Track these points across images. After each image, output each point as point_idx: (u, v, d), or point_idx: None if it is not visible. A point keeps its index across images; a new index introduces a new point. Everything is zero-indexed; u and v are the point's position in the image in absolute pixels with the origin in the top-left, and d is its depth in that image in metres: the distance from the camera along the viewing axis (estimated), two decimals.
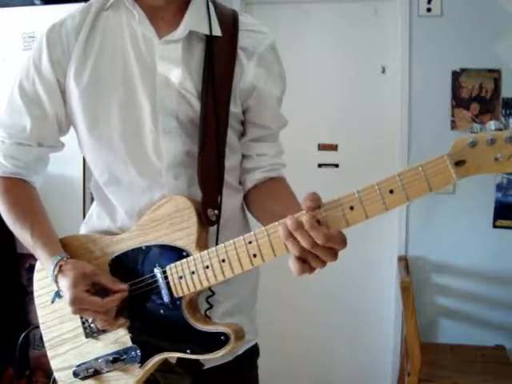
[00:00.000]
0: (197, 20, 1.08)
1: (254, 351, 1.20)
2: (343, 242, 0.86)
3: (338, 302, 3.05)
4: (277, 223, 0.91)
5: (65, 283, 1.04)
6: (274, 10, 3.07)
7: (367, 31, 2.99)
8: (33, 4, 2.56)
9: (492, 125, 0.79)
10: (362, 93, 3.01)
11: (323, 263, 0.88)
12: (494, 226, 2.84)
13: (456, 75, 2.85)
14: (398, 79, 2.92)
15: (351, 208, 0.86)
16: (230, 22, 1.10)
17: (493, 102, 2.81)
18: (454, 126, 2.86)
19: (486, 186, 2.81)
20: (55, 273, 1.06)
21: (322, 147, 3.05)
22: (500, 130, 0.79)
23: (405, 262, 2.77)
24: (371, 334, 3.04)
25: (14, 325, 2.49)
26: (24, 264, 2.56)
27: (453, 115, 2.85)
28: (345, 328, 3.05)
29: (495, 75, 2.81)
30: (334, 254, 0.87)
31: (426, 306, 2.88)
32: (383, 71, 3.00)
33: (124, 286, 1.05)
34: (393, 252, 2.94)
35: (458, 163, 0.80)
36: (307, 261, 0.88)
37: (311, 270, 0.89)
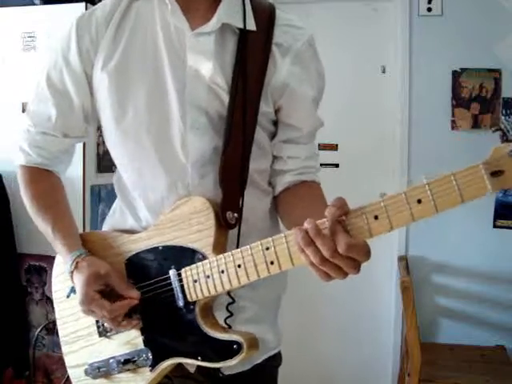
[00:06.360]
0: (231, 13, 1.03)
1: (275, 360, 1.16)
2: (367, 252, 0.80)
3: (338, 301, 3.05)
4: (296, 229, 0.84)
5: (78, 281, 1.02)
6: None
7: (367, 31, 2.99)
8: (32, 4, 2.56)
9: None
10: (362, 93, 3.01)
11: (344, 274, 0.82)
12: (494, 226, 2.84)
13: (456, 75, 2.85)
14: (398, 79, 2.92)
15: (375, 217, 0.79)
16: (266, 16, 1.05)
17: (493, 101, 2.81)
18: (454, 125, 2.85)
19: None
20: (71, 269, 1.04)
21: (322, 147, 3.05)
22: None
23: (405, 262, 2.77)
24: (371, 334, 3.03)
25: (13, 325, 2.49)
26: (23, 264, 2.56)
27: (453, 115, 2.85)
28: (344, 328, 3.05)
29: (495, 75, 2.81)
30: (356, 266, 0.81)
31: (426, 306, 2.87)
32: (383, 71, 3.00)
33: (135, 294, 1.01)
34: (393, 252, 2.94)
35: (494, 173, 0.73)
36: (326, 271, 0.82)
37: (333, 278, 0.84)
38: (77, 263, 1.04)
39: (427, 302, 2.90)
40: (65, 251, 1.07)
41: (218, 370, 1.05)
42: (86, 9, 2.34)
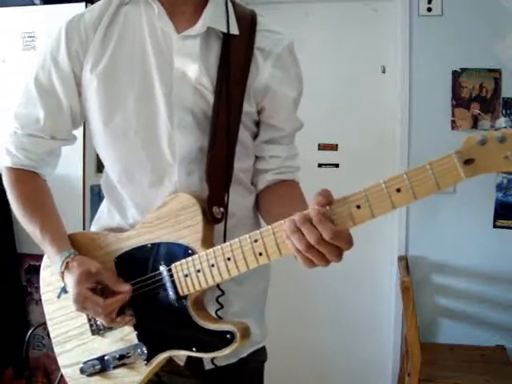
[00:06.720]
0: (215, 17, 1.08)
1: (260, 354, 1.19)
2: (349, 241, 0.85)
3: (338, 301, 3.05)
4: (283, 221, 0.89)
5: (70, 280, 1.04)
6: (274, 9, 3.06)
7: (367, 31, 2.99)
8: (32, 4, 2.56)
9: (503, 122, 0.79)
10: (362, 93, 3.01)
11: (327, 262, 0.86)
12: (494, 226, 2.84)
13: (456, 75, 2.85)
14: (398, 79, 2.91)
15: (358, 207, 0.84)
16: (248, 22, 1.10)
17: (493, 101, 2.81)
18: (454, 125, 2.85)
19: (486, 186, 2.81)
20: (62, 269, 1.06)
21: (322, 147, 3.05)
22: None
23: (405, 262, 2.77)
24: (371, 334, 3.03)
25: (13, 325, 2.49)
26: (23, 264, 2.56)
27: (453, 115, 2.85)
28: (345, 328, 3.05)
29: (495, 75, 2.80)
30: (339, 254, 0.85)
31: (426, 306, 2.87)
32: (383, 71, 2.99)
33: (127, 288, 1.04)
34: (393, 252, 2.94)
35: (467, 162, 0.78)
36: (310, 258, 0.86)
37: (316, 265, 0.88)
38: (67, 263, 1.06)
39: (427, 302, 2.89)
40: (54, 252, 1.09)
41: (207, 362, 1.08)
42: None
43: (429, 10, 2.87)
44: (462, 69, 2.84)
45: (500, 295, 2.82)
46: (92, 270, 1.03)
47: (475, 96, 2.83)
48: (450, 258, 2.88)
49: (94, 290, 1.03)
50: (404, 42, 2.89)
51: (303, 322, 3.09)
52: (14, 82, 2.48)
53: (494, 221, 2.84)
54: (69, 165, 2.41)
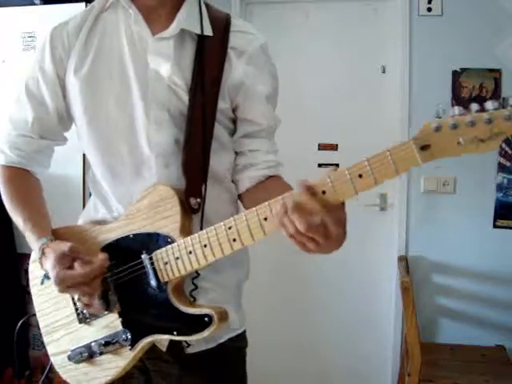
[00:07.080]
0: (189, 19, 1.14)
1: (240, 340, 1.23)
2: (337, 220, 0.91)
3: (338, 301, 3.05)
4: (254, 208, 0.96)
5: (48, 266, 1.08)
6: (274, 9, 3.07)
7: (367, 31, 2.99)
8: (33, 4, 2.56)
9: (456, 110, 0.81)
10: (362, 93, 3.01)
11: (317, 244, 0.92)
12: (494, 226, 2.84)
13: (456, 75, 2.85)
14: (398, 79, 2.92)
15: (323, 192, 0.90)
16: (221, 24, 1.16)
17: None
18: None
19: (486, 186, 2.81)
20: (39, 256, 1.11)
21: (322, 147, 3.05)
22: (463, 114, 0.82)
23: (405, 262, 2.77)
24: (371, 334, 3.03)
25: (13, 325, 2.49)
26: (23, 264, 2.56)
27: None
28: (345, 328, 3.05)
29: (495, 75, 2.81)
30: (325, 236, 0.91)
31: (426, 306, 2.88)
32: (383, 71, 3.00)
33: (103, 256, 1.07)
34: (393, 252, 2.94)
35: (424, 147, 0.83)
36: (303, 242, 0.92)
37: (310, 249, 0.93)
38: (43, 249, 1.11)
39: (427, 302, 2.90)
40: (33, 241, 1.14)
41: (184, 346, 1.12)
42: None
43: (429, 10, 2.87)
44: (462, 69, 2.84)
45: (500, 295, 2.82)
46: (65, 250, 1.07)
47: (475, 96, 2.83)
48: (450, 258, 2.89)
49: (71, 268, 1.06)
50: (404, 42, 2.89)
51: (303, 321, 3.08)
52: (14, 81, 2.49)
53: (494, 221, 2.84)
54: (69, 165, 2.41)
